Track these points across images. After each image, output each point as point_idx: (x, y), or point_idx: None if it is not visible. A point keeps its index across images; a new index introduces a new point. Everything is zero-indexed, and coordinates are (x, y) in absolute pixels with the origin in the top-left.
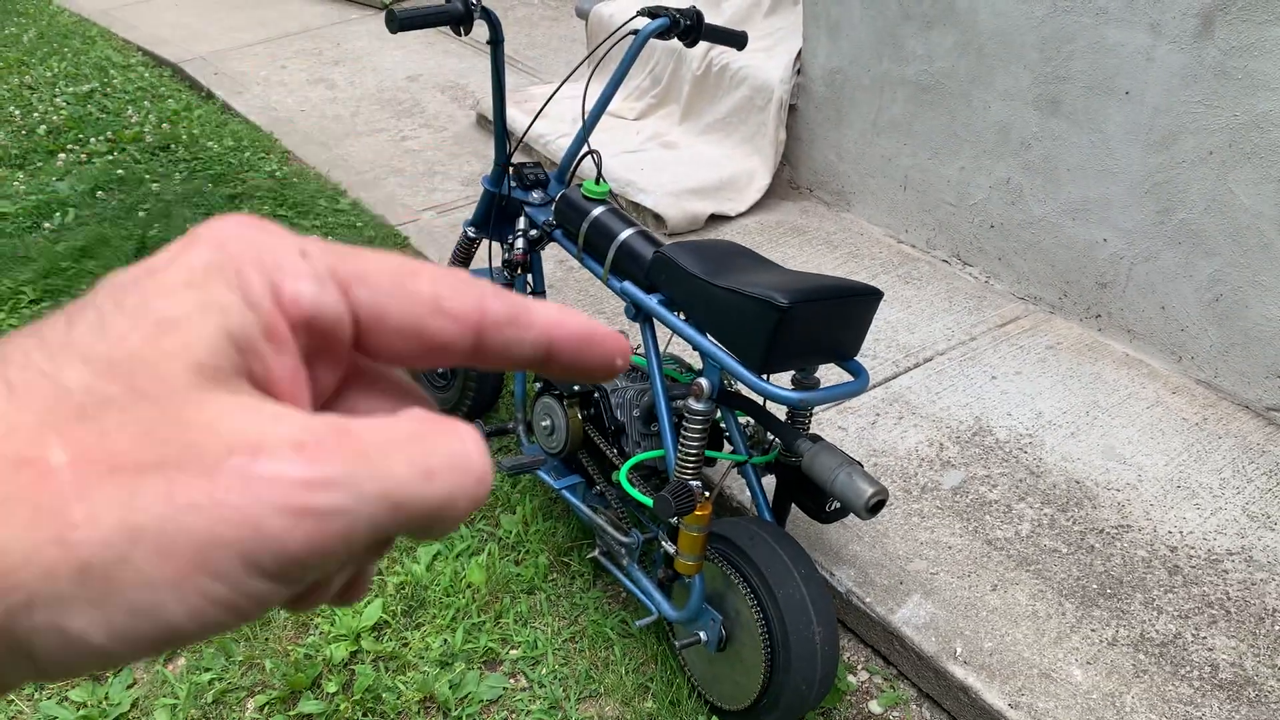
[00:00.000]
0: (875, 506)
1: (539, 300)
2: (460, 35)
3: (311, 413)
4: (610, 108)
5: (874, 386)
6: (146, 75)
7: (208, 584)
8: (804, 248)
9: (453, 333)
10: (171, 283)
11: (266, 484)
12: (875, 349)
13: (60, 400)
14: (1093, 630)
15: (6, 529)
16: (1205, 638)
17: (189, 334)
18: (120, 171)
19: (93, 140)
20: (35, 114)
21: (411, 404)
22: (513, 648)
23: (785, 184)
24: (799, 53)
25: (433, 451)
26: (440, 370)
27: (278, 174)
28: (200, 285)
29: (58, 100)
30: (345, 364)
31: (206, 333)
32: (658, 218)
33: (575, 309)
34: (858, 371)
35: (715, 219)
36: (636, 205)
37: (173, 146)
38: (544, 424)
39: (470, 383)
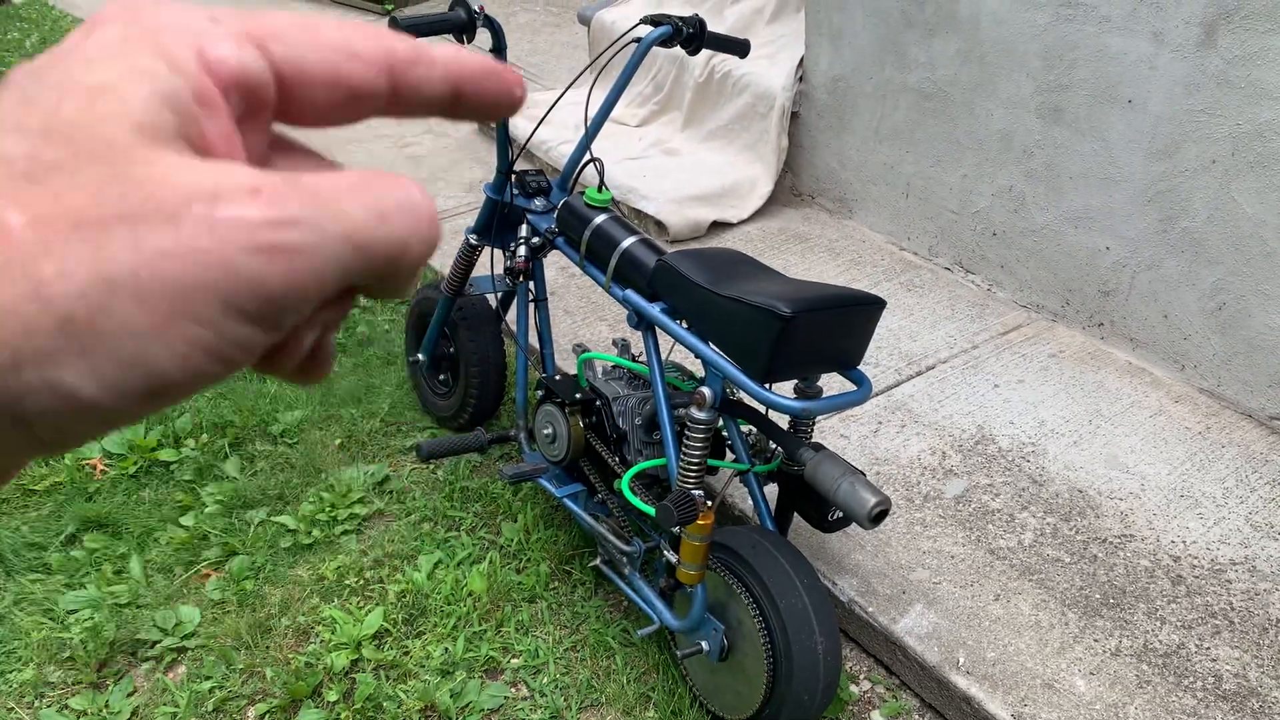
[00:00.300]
0: (878, 516)
1: (432, 44)
2: (463, 44)
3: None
4: (612, 114)
5: (876, 394)
6: None
7: (191, 329)
8: (806, 255)
9: (368, 75)
10: (92, 54)
11: (231, 226)
12: (877, 357)
13: (4, 168)
14: (1096, 640)
15: None
16: (1209, 648)
17: (123, 97)
18: None
19: None
20: None
21: (323, 163)
22: (514, 656)
23: (787, 191)
24: (801, 60)
25: (383, 196)
26: (441, 377)
27: None
28: (122, 55)
29: None
30: (269, 130)
31: (141, 95)
32: (660, 225)
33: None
34: (860, 381)
35: (717, 226)
36: (639, 212)
37: None
38: (546, 432)
39: (471, 391)
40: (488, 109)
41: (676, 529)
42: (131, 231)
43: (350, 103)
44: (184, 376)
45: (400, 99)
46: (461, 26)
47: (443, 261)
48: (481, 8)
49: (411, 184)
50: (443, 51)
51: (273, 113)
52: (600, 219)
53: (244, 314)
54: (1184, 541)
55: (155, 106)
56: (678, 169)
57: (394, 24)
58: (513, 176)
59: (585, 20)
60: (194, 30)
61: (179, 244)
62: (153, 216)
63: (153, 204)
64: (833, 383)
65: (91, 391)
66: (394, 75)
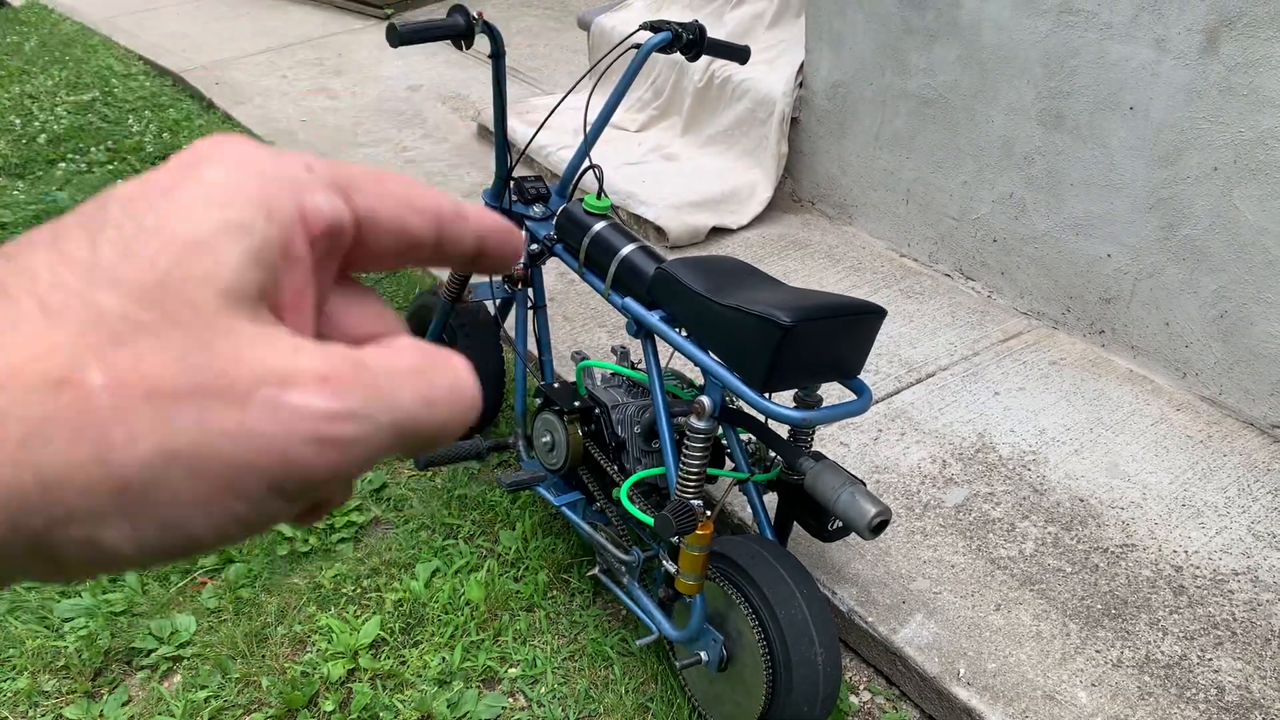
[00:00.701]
0: (878, 527)
1: (474, 205)
2: (462, 49)
3: (318, 341)
4: (612, 120)
5: (876, 402)
6: (148, 84)
7: (234, 504)
8: (806, 261)
9: (423, 228)
10: (192, 201)
11: (295, 415)
12: (877, 364)
13: (96, 323)
14: (1097, 651)
15: (49, 448)
16: (1211, 660)
17: (216, 257)
18: (120, 182)
19: (93, 150)
20: (36, 123)
21: (375, 306)
22: (512, 666)
23: (787, 197)
24: (801, 65)
25: (434, 383)
26: None
27: None
28: (223, 204)
29: (58, 109)
30: (338, 271)
31: (233, 256)
32: (659, 230)
33: (484, 207)
34: (861, 390)
35: (717, 232)
36: (638, 218)
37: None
38: (544, 440)
39: None
40: (495, 264)
41: (675, 539)
42: (200, 407)
43: (406, 250)
44: (213, 539)
45: (440, 250)
46: (460, 33)
47: (441, 268)
48: (480, 14)
49: (462, 366)
50: (472, 209)
51: (342, 258)
52: (599, 226)
53: (284, 492)
54: (1186, 551)
55: (245, 267)
56: (677, 174)
57: (392, 30)
58: (511, 183)
59: (585, 25)
60: (294, 180)
61: (242, 427)
62: (224, 394)
63: (225, 381)
64: (832, 391)
65: (128, 550)
66: (440, 228)
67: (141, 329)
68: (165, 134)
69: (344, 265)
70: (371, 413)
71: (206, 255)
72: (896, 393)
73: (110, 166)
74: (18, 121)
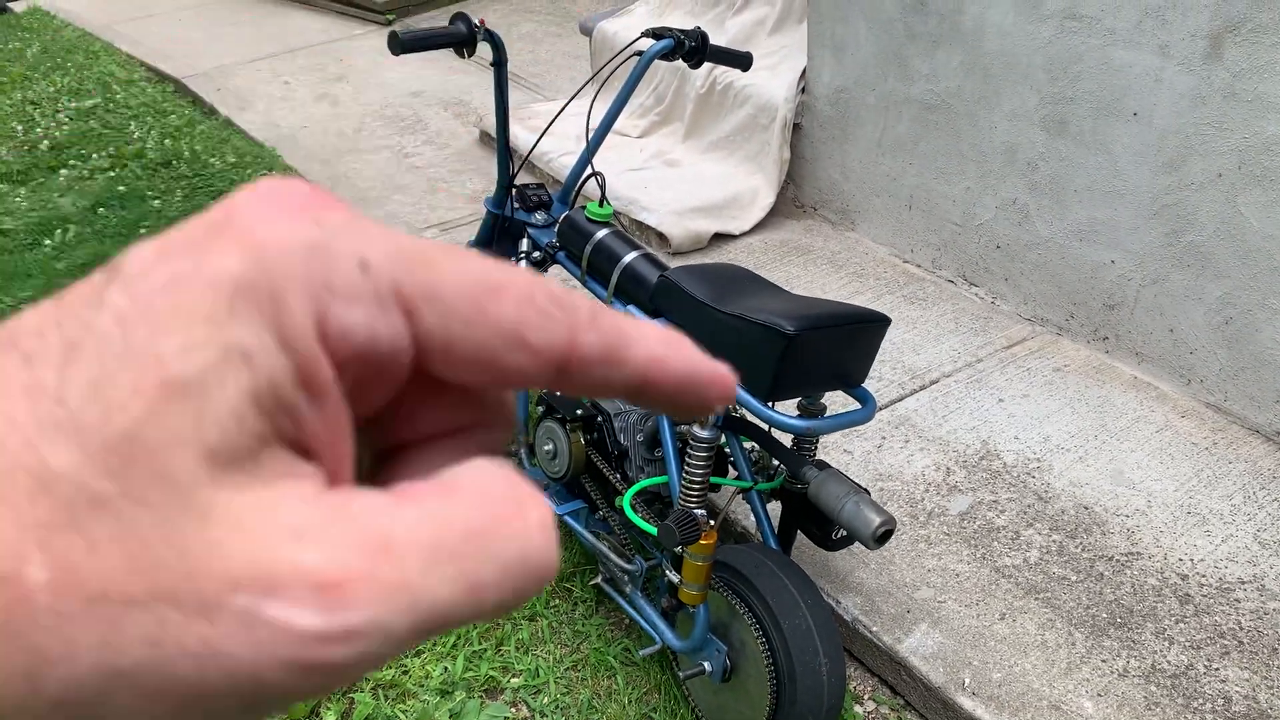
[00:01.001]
0: (883, 536)
1: (641, 323)
2: (464, 57)
3: (336, 506)
4: (614, 126)
5: (880, 409)
6: (149, 90)
7: None
8: (808, 267)
9: (531, 368)
10: (189, 309)
11: (274, 634)
12: (881, 371)
13: (47, 489)
14: (1103, 661)
15: None
16: (1218, 669)
17: (203, 406)
18: (122, 188)
19: (95, 156)
20: (38, 129)
21: (479, 418)
22: (514, 676)
23: (789, 203)
24: (803, 71)
25: (489, 556)
26: None
27: None
28: (223, 321)
29: (60, 116)
30: (395, 385)
31: (224, 403)
32: (661, 236)
33: (684, 338)
34: (865, 399)
35: (719, 238)
36: (640, 224)
37: (174, 163)
38: (546, 448)
39: None
40: (669, 413)
41: (678, 548)
42: (158, 617)
43: (497, 383)
44: None
45: (562, 387)
46: (462, 40)
47: None
48: (482, 21)
49: (539, 521)
50: (642, 349)
51: (402, 374)
52: (602, 234)
53: (253, 713)
54: (1192, 559)
55: (238, 417)
56: (679, 180)
57: (394, 39)
58: (513, 190)
59: (587, 31)
60: (326, 283)
61: (206, 645)
62: (188, 602)
63: (192, 584)
64: (837, 400)
65: None
66: (566, 371)
67: (99, 506)
68: (167, 140)
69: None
70: (385, 622)
71: (191, 402)
72: (900, 400)
73: (112, 173)
74: (20, 128)
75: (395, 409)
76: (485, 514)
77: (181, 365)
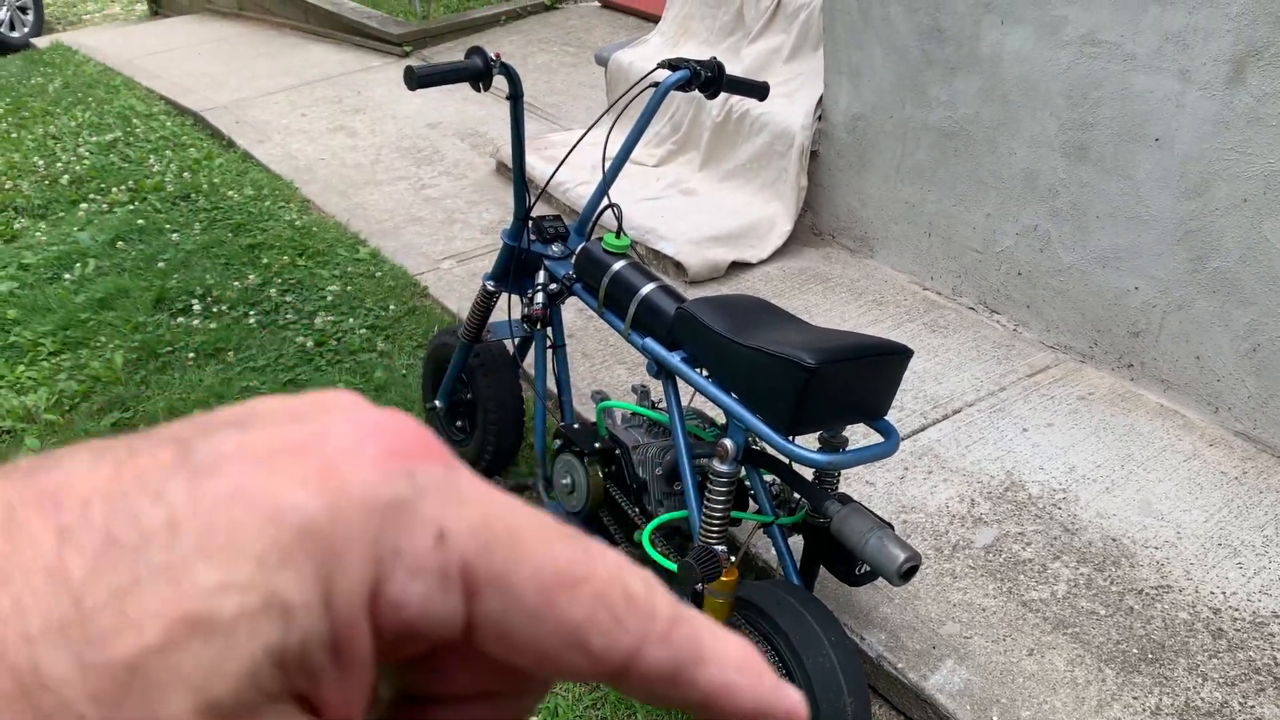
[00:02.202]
0: (908, 573)
1: (721, 638)
2: (479, 91)
3: None
4: (630, 155)
5: (902, 439)
6: (169, 124)
7: None
8: (827, 295)
9: (586, 670)
10: (244, 540)
11: None
12: (902, 400)
13: (27, 701)
14: (1135, 698)
15: None
16: (1253, 706)
17: (221, 654)
18: (141, 221)
19: (115, 190)
20: (59, 164)
21: (515, 687)
22: (533, 715)
23: (807, 230)
24: (820, 99)
25: None
26: (458, 424)
27: (297, 223)
28: (274, 567)
29: (81, 150)
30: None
31: (246, 655)
32: (679, 266)
33: (759, 658)
34: (888, 432)
35: (737, 266)
36: (657, 253)
37: (193, 196)
38: (564, 481)
39: (489, 438)
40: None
41: (699, 586)
42: None
43: (540, 671)
44: None
45: (615, 686)
46: (478, 74)
47: (460, 306)
48: (498, 55)
49: None
50: (714, 673)
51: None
52: (619, 265)
53: None
54: (1224, 593)
55: (257, 673)
56: (696, 209)
57: (410, 74)
58: (530, 223)
59: (603, 61)
60: (395, 549)
61: None
62: None
63: None
64: (859, 432)
65: None
66: (624, 679)
67: None
68: (185, 173)
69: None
70: None
71: (211, 647)
72: (922, 430)
73: (131, 206)
74: (41, 162)
75: (429, 661)
76: None
77: (215, 603)
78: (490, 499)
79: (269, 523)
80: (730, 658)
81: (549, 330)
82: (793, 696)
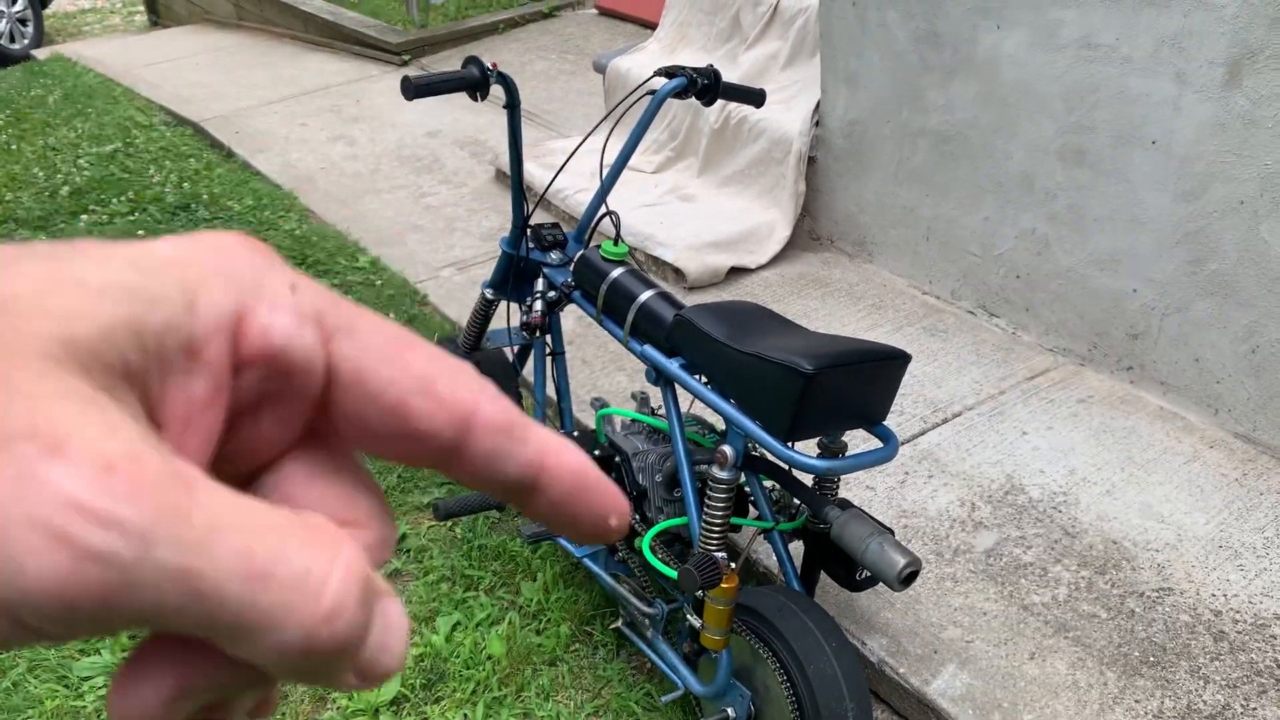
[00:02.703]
0: (908, 578)
1: (539, 424)
2: (477, 100)
3: (165, 443)
4: (629, 162)
5: (902, 444)
6: (168, 134)
7: None
8: (826, 300)
9: (438, 421)
10: (121, 255)
11: (40, 488)
12: (902, 404)
13: None
14: (1137, 701)
15: None
16: (1255, 709)
17: (87, 305)
18: (141, 232)
19: (115, 200)
20: (59, 175)
21: (350, 491)
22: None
23: (806, 236)
24: (817, 104)
25: (279, 557)
26: None
27: (297, 232)
28: (147, 270)
29: (81, 161)
30: (300, 426)
31: (109, 314)
32: (678, 271)
33: (578, 448)
34: (887, 437)
35: (736, 272)
36: (656, 259)
37: (193, 206)
38: None
39: None
40: (566, 524)
41: (699, 593)
42: None
43: (404, 440)
44: None
45: (464, 460)
46: (475, 84)
47: (460, 314)
48: (494, 64)
49: (345, 561)
50: (540, 433)
51: (309, 411)
52: (617, 272)
53: (5, 608)
54: (1225, 595)
55: (116, 334)
56: (694, 215)
57: (407, 84)
58: (528, 230)
59: (600, 68)
60: (260, 286)
61: None
62: None
63: None
64: (858, 437)
65: None
66: (469, 434)
67: None
68: (185, 184)
69: (337, 431)
70: (149, 536)
71: (75, 298)
72: (922, 434)
73: (131, 217)
74: (41, 174)
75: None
76: (296, 529)
77: (89, 272)
78: (316, 283)
79: (142, 250)
80: (553, 435)
81: (548, 337)
82: (612, 485)
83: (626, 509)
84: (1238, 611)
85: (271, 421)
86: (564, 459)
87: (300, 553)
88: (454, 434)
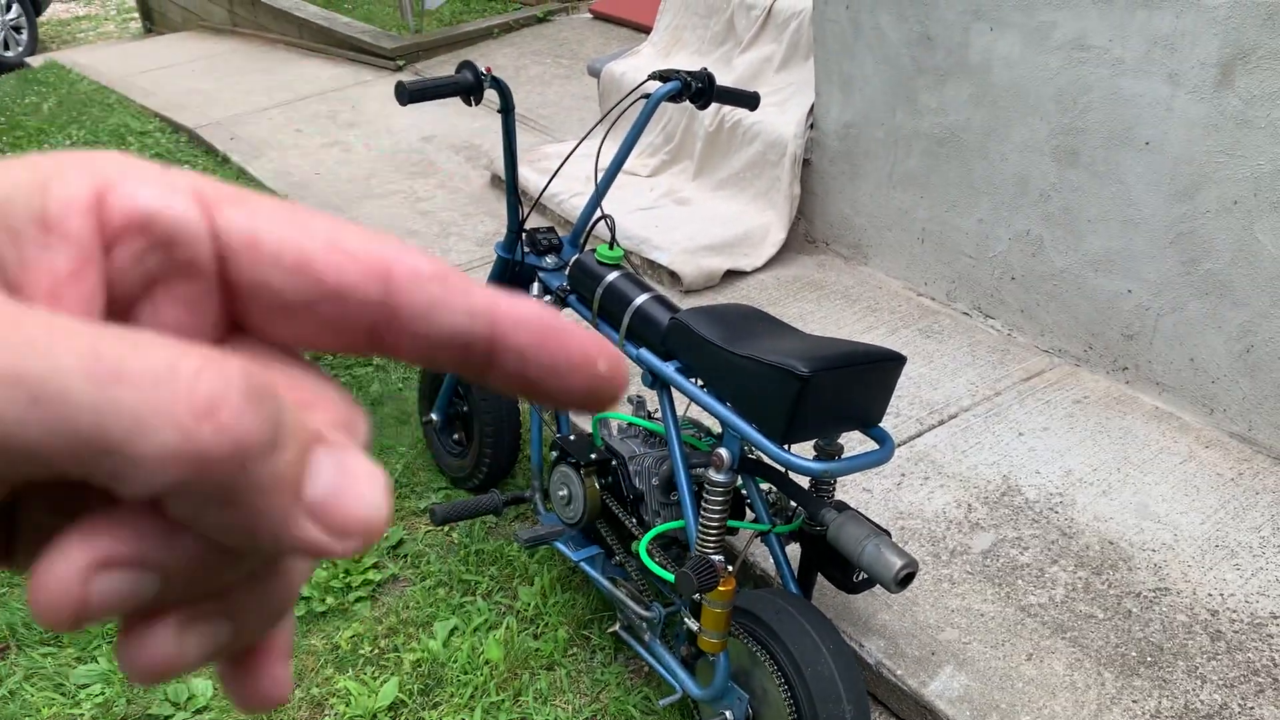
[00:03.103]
0: (905, 579)
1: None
2: (471, 105)
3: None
4: (623, 165)
5: (898, 445)
6: (164, 141)
7: None
8: (822, 302)
9: (351, 273)
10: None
11: None
12: (898, 406)
13: None
14: (1134, 701)
15: None
16: (1253, 708)
17: None
18: None
19: None
20: None
21: (311, 382)
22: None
23: (801, 238)
24: (811, 107)
25: (132, 355)
26: (455, 437)
27: None
28: (6, 165)
29: None
30: (212, 312)
31: None
32: (673, 275)
33: (538, 301)
34: (883, 439)
35: (731, 275)
36: (651, 263)
37: None
38: (561, 494)
39: (485, 450)
40: (551, 390)
41: (697, 596)
42: None
43: (326, 302)
44: None
45: (403, 321)
46: (469, 88)
47: None
48: (489, 69)
49: (215, 361)
50: (491, 289)
51: (216, 295)
52: (612, 276)
53: None
54: (1221, 594)
55: None
56: (690, 219)
57: (401, 89)
58: (524, 235)
59: (595, 72)
60: (123, 170)
61: None
62: None
63: None
64: (854, 439)
65: None
66: (394, 285)
67: None
68: None
69: (249, 322)
70: None
71: None
72: (918, 435)
73: None
74: None
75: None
76: (156, 340)
77: None
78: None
79: (34, 157)
80: (494, 289)
81: None
82: (586, 329)
83: (617, 354)
84: (1234, 611)
85: (173, 305)
86: (519, 306)
87: (159, 351)
88: (377, 290)
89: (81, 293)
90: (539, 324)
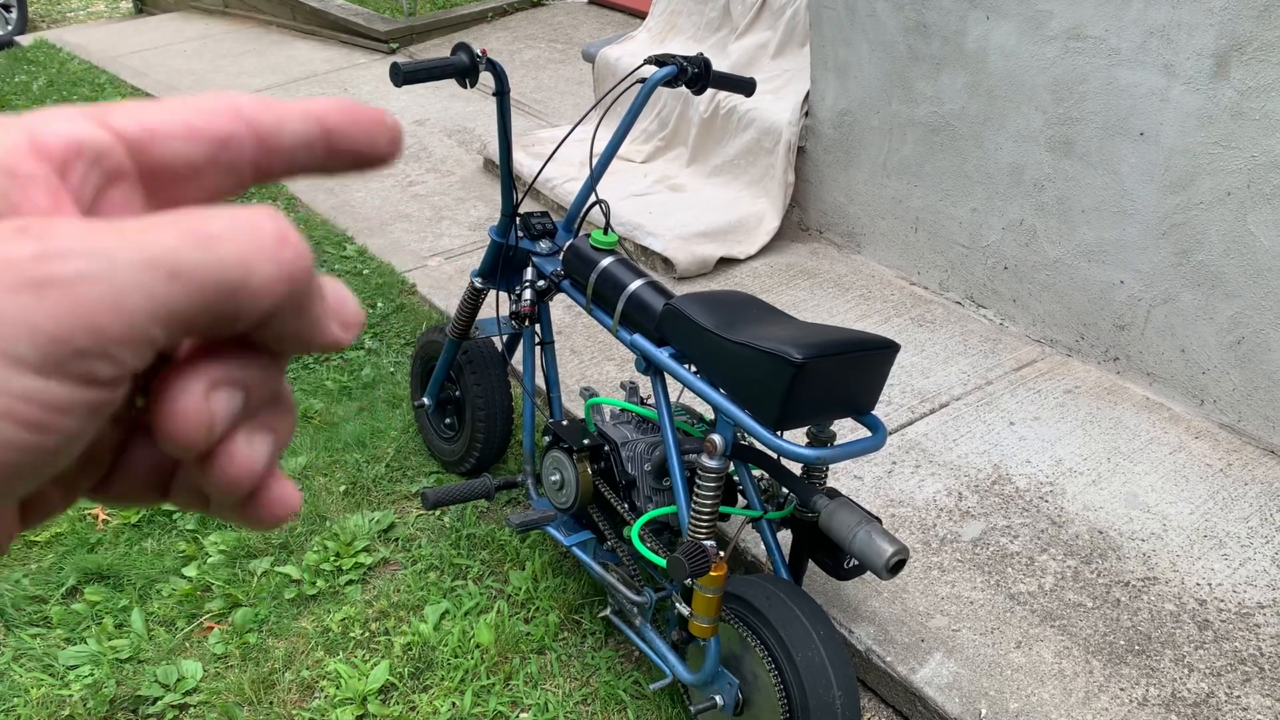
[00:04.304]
0: (896, 566)
1: None
2: (466, 87)
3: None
4: (618, 151)
5: (890, 433)
6: None
7: None
8: (815, 290)
9: (221, 121)
10: None
11: (15, 261)
12: (890, 394)
13: None
14: (1122, 689)
15: None
16: (1239, 697)
17: None
18: None
19: None
20: None
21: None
22: (523, 710)
23: (795, 226)
24: (807, 94)
25: (210, 218)
26: (447, 421)
27: None
28: None
29: None
30: (139, 205)
31: None
32: (667, 261)
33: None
34: (875, 426)
35: (725, 262)
36: (645, 249)
37: None
38: (553, 479)
39: (478, 435)
40: (365, 153)
41: (688, 581)
42: None
43: (220, 153)
44: None
45: (270, 146)
46: (464, 70)
47: (448, 304)
48: (484, 51)
49: (263, 210)
50: (295, 101)
51: (143, 178)
52: (606, 262)
53: (27, 364)
54: (1209, 584)
55: None
56: (684, 205)
57: (395, 70)
58: (518, 219)
59: (590, 57)
60: (44, 118)
61: None
62: None
63: None
64: (846, 426)
65: None
66: (248, 121)
67: None
68: None
69: (167, 194)
70: (100, 249)
71: None
72: (910, 424)
73: None
74: None
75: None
76: (205, 209)
77: None
78: None
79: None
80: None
81: (537, 327)
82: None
83: (391, 125)
84: (1222, 600)
85: (114, 207)
86: (322, 101)
87: (232, 216)
88: (243, 126)
89: (69, 214)
90: (341, 106)
